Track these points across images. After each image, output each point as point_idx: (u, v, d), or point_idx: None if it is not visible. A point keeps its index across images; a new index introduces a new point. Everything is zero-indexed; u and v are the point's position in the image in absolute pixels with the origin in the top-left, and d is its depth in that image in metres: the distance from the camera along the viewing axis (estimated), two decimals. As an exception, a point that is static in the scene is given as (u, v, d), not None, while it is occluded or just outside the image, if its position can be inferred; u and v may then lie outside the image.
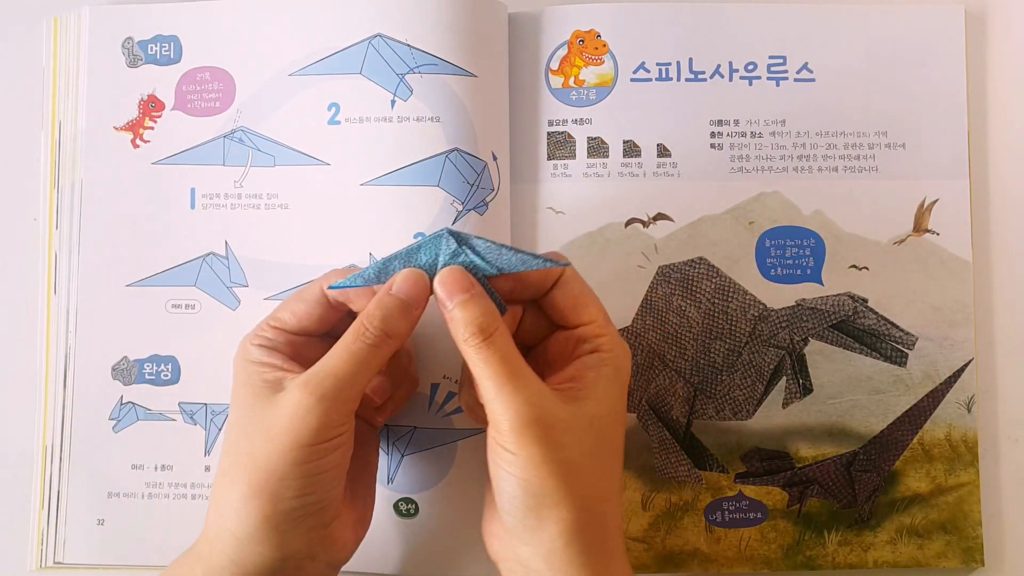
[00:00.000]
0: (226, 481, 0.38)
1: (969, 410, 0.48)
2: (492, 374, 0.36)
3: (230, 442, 0.38)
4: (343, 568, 0.44)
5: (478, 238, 0.39)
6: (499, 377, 0.36)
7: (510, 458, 0.36)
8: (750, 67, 0.50)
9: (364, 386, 0.38)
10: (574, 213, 0.49)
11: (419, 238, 0.40)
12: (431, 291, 0.39)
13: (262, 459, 0.36)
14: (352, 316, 0.40)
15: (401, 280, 0.39)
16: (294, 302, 0.41)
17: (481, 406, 0.38)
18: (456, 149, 0.47)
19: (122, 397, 0.49)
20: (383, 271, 0.39)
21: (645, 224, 0.49)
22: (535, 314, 0.42)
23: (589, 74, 0.49)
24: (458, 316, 0.37)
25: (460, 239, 0.39)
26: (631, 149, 0.49)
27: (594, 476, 0.37)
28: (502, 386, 0.36)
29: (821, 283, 0.49)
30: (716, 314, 0.49)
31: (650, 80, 0.49)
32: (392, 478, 0.47)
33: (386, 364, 0.42)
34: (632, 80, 0.49)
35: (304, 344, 0.41)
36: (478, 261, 0.39)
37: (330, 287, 0.40)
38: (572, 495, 0.36)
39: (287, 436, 0.36)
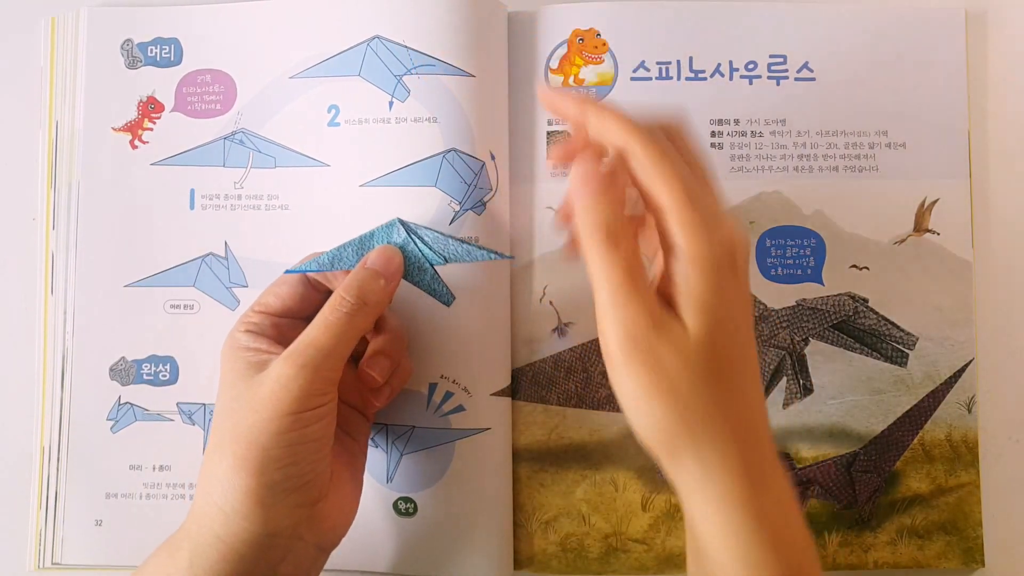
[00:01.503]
0: (214, 458, 0.38)
1: (970, 410, 0.48)
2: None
3: (217, 423, 0.39)
4: (343, 568, 0.44)
5: (426, 228, 0.42)
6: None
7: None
8: (750, 66, 0.50)
9: (344, 356, 0.39)
10: (573, 213, 0.49)
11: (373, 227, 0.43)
12: (403, 269, 0.42)
13: (246, 431, 0.37)
14: None
15: (375, 255, 0.42)
16: (277, 285, 0.43)
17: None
18: (453, 149, 0.47)
19: (120, 397, 0.49)
20: (337, 257, 0.42)
21: (645, 224, 0.49)
22: None
23: (589, 73, 0.49)
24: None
25: (409, 229, 0.42)
26: (630, 149, 0.49)
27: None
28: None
29: (821, 283, 0.49)
30: (716, 314, 0.48)
31: (650, 79, 0.49)
32: (391, 477, 0.47)
33: (388, 346, 0.43)
34: (632, 79, 0.49)
35: (289, 327, 0.42)
36: (426, 251, 0.42)
37: (286, 271, 0.42)
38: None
39: (271, 406, 0.37)
